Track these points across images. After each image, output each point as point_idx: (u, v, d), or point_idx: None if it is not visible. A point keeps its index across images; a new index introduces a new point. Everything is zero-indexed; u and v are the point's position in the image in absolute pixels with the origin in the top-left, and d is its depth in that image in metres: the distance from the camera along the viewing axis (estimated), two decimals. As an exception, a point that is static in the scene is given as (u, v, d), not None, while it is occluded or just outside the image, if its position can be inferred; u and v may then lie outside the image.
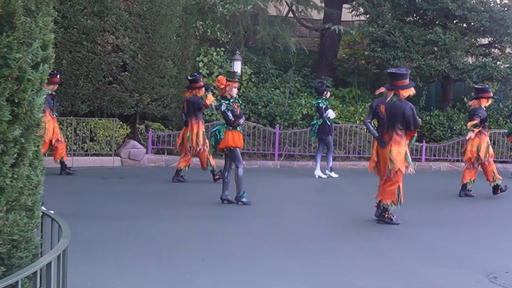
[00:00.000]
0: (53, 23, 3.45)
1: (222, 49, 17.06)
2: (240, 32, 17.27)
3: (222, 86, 9.39)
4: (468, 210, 10.21)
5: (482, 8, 17.13)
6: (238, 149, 9.49)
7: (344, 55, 20.13)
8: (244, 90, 16.71)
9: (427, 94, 18.75)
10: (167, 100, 15.00)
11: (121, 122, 14.72)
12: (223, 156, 10.05)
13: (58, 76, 11.81)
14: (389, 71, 8.52)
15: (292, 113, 16.26)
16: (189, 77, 11.93)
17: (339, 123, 16.09)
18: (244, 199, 9.51)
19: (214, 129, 9.68)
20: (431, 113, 17.79)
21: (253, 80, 17.43)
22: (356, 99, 18.01)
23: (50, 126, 11.48)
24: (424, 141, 16.59)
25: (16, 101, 2.99)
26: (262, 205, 9.57)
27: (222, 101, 9.47)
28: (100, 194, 10.30)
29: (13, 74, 2.92)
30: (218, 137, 9.42)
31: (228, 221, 8.51)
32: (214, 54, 16.79)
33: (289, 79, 17.71)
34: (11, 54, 2.87)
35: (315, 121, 13.27)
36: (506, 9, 17.58)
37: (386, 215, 8.43)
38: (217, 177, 11.70)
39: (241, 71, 15.93)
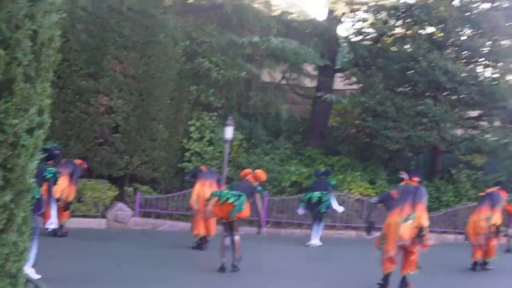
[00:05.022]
0: (50, 88, 3.44)
1: (215, 113, 17.14)
2: (233, 97, 17.42)
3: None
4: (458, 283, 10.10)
5: (472, 82, 17.40)
6: None
7: (334, 124, 20.28)
8: (234, 155, 16.69)
9: (416, 164, 18.86)
10: (157, 163, 14.95)
11: (109, 184, 14.58)
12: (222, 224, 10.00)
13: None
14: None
15: (281, 180, 16.22)
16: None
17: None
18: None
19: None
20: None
21: (243, 145, 17.45)
22: (345, 168, 18.02)
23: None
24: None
25: (9, 166, 2.96)
26: (251, 274, 9.41)
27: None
28: (84, 257, 10.09)
29: (8, 140, 2.89)
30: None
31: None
32: (207, 118, 16.83)
33: (279, 145, 17.76)
34: (8, 119, 2.85)
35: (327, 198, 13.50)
36: (496, 82, 17.89)
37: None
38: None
39: (233, 136, 15.97)
